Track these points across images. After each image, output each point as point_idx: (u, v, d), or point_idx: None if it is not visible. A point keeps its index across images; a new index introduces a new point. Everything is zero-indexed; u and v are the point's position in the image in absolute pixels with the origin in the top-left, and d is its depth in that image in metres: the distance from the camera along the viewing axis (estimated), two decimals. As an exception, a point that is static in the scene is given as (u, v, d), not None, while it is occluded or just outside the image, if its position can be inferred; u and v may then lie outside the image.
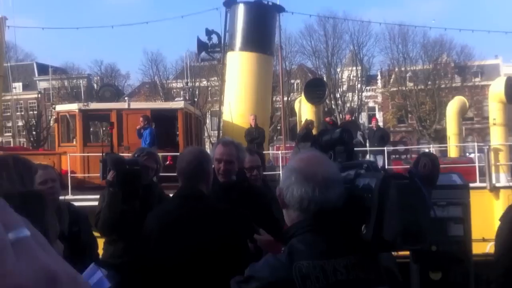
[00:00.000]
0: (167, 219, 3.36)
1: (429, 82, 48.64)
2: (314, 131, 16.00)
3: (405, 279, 4.36)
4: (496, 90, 15.67)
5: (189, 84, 47.80)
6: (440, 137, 35.42)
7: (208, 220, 3.26)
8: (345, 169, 2.15)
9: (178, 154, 15.87)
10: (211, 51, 20.19)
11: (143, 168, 4.70)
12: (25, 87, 60.16)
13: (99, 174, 5.01)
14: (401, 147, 25.81)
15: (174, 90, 52.36)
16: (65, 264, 0.60)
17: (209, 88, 49.10)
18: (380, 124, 53.88)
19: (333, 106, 47.56)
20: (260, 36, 18.17)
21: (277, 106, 41.61)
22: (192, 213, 3.30)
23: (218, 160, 4.13)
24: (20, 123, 53.83)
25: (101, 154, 12.92)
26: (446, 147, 21.18)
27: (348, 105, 49.96)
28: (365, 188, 1.98)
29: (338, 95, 49.52)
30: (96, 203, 4.77)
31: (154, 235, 3.35)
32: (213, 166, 4.11)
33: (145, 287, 3.44)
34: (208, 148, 25.09)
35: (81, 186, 15.19)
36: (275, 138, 44.90)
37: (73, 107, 17.55)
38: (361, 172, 2.08)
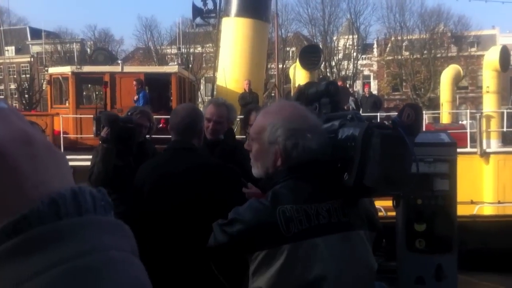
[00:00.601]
0: (159, 171, 3.41)
1: (425, 51, 48.46)
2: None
3: (392, 232, 4.47)
4: (490, 59, 15.73)
5: (183, 50, 47.43)
6: (434, 105, 35.52)
7: (199, 172, 3.31)
8: (330, 120, 2.15)
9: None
10: (206, 17, 19.98)
11: (136, 125, 4.75)
12: (18, 51, 59.52)
13: (92, 134, 5.07)
14: (394, 113, 25.83)
15: (168, 56, 51.95)
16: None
17: (204, 55, 48.74)
18: (375, 92, 54.15)
19: (328, 74, 47.40)
20: (256, 2, 17.94)
21: (272, 73, 41.45)
22: (184, 165, 3.35)
23: (208, 119, 4.21)
24: (12, 86, 53.63)
25: (93, 115, 13.05)
26: (439, 113, 21.31)
27: (343, 73, 49.81)
28: (349, 137, 1.99)
29: (333, 63, 49.28)
30: (88, 163, 4.80)
31: (146, 186, 3.40)
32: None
33: (137, 236, 3.51)
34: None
35: (74, 147, 15.22)
36: (268, 104, 44.79)
37: (66, 69, 17.44)
38: (345, 122, 2.08)
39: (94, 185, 3.52)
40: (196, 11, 19.66)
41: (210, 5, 19.42)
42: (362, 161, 1.92)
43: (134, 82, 15.01)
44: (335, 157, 2.01)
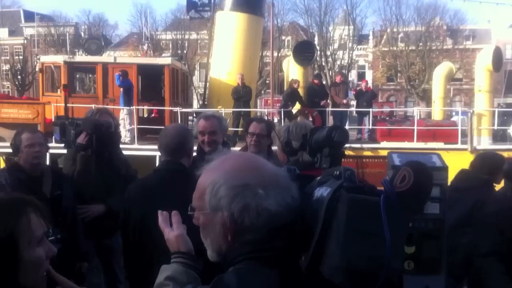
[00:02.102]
0: (149, 193, 3.36)
1: (420, 44, 48.45)
2: (300, 91, 16.02)
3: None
4: (483, 59, 15.79)
5: (178, 36, 47.23)
6: (428, 96, 35.58)
7: (189, 194, 3.28)
8: (322, 184, 1.56)
9: (163, 108, 15.79)
10: (200, 10, 19.84)
11: (116, 131, 4.74)
12: (11, 33, 59.15)
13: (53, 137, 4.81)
14: (386, 109, 25.96)
15: (163, 42, 51.67)
16: None
17: (199, 41, 48.53)
18: (370, 82, 54.19)
19: (323, 64, 47.35)
20: (251, -3, 17.87)
21: (267, 61, 41.35)
22: (174, 187, 3.31)
23: (202, 132, 4.22)
24: (5, 67, 53.36)
25: (84, 106, 13.00)
26: (431, 110, 21.39)
27: (338, 62, 49.75)
28: (318, 200, 1.48)
29: (328, 53, 49.18)
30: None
31: (135, 208, 3.37)
32: (195, 139, 4.16)
33: (127, 261, 3.53)
34: (194, 99, 25.01)
35: (64, 135, 15.15)
36: (263, 92, 44.79)
37: (58, 58, 17.32)
38: (326, 179, 1.55)
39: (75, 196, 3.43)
40: (191, 4, 19.54)
41: (204, -1, 19.30)
42: (321, 237, 1.41)
43: (117, 74, 14.97)
44: (299, 227, 1.47)
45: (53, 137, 4.87)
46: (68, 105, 15.43)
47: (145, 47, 21.20)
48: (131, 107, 14.85)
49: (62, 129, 4.62)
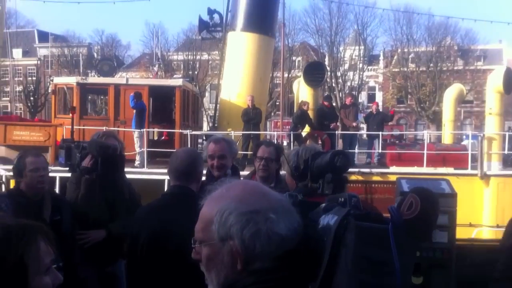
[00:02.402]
0: (157, 218, 3.36)
1: (431, 64, 48.39)
2: (310, 113, 16.02)
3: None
4: (494, 81, 15.60)
5: (189, 57, 47.47)
6: (438, 119, 35.48)
7: (195, 220, 3.28)
8: (328, 212, 1.57)
9: (174, 130, 15.79)
10: (212, 31, 20.01)
11: (122, 154, 4.73)
12: (25, 54, 59.87)
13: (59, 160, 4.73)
14: (396, 132, 25.88)
15: (175, 63, 52.07)
16: None
17: (210, 62, 48.82)
18: (380, 104, 54.01)
19: (333, 85, 47.40)
20: (262, 18, 18.02)
21: (277, 82, 41.45)
22: (182, 212, 3.32)
23: (211, 156, 4.23)
24: (18, 89, 53.83)
25: (95, 128, 13.05)
26: (441, 133, 21.27)
27: (348, 83, 49.78)
28: (325, 229, 1.47)
29: (339, 74, 49.26)
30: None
31: (143, 233, 3.37)
32: (206, 163, 4.17)
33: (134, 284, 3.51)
34: (204, 121, 25.10)
35: (77, 158, 15.22)
36: (272, 114, 44.85)
37: (71, 80, 17.52)
38: (331, 206, 1.56)
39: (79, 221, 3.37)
40: (203, 25, 19.72)
41: (216, 19, 19.45)
42: (329, 267, 1.39)
43: (131, 95, 15.03)
44: (303, 257, 1.45)
45: (59, 160, 4.69)
46: (79, 127, 15.58)
47: (155, 68, 21.31)
48: (142, 130, 14.88)
49: (67, 152, 4.52)
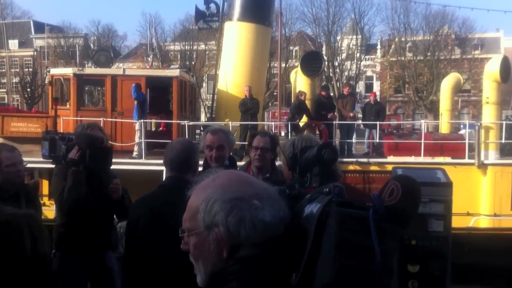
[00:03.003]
0: (154, 210, 3.37)
1: (429, 54, 48.37)
2: (307, 103, 16.02)
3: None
4: (491, 69, 15.55)
5: (186, 47, 47.27)
6: (436, 108, 35.48)
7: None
8: (312, 201, 1.60)
9: (171, 121, 15.74)
10: (208, 20, 19.96)
11: (110, 147, 4.70)
12: (21, 45, 59.69)
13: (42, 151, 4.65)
14: (393, 122, 25.95)
15: (172, 53, 51.95)
16: None
17: (207, 52, 48.72)
18: (377, 94, 53.96)
19: (331, 75, 47.38)
20: (259, 7, 17.94)
21: (274, 72, 41.39)
22: (179, 204, 3.34)
23: (209, 147, 4.21)
24: (15, 80, 53.68)
25: (93, 119, 13.04)
26: (438, 123, 21.28)
27: (346, 73, 49.76)
28: (309, 217, 1.49)
29: (336, 64, 49.23)
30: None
31: (140, 224, 3.39)
32: (202, 154, 4.16)
33: (130, 277, 3.51)
34: (202, 111, 25.07)
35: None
36: (270, 104, 44.83)
37: (68, 71, 17.46)
38: (316, 196, 1.58)
39: (65, 213, 3.44)
40: (199, 15, 19.66)
41: (213, 9, 19.41)
42: (312, 253, 1.41)
43: (133, 86, 14.98)
44: (288, 245, 1.46)
45: (42, 152, 4.59)
46: (76, 118, 15.56)
47: (150, 58, 21.11)
48: (140, 121, 14.86)
49: (52, 144, 4.46)
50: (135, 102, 15.07)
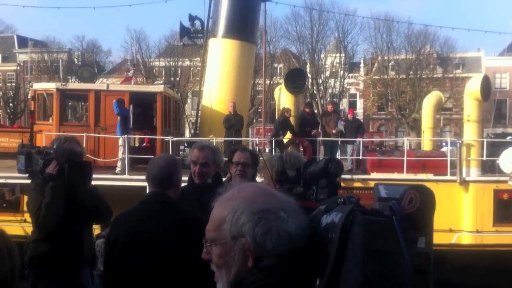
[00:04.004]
0: (134, 226, 3.36)
1: (411, 72, 49.02)
2: (291, 120, 16.10)
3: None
4: (472, 88, 15.78)
5: (171, 63, 47.21)
6: (418, 126, 35.87)
7: (176, 229, 3.26)
8: (329, 212, 1.64)
9: (155, 137, 15.58)
10: (193, 37, 20.02)
11: (89, 162, 4.61)
12: (4, 59, 59.32)
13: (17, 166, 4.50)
14: (376, 139, 26.12)
15: (156, 69, 51.94)
16: None
17: (192, 68, 48.80)
18: (360, 111, 54.45)
19: (315, 92, 47.69)
20: (243, 24, 18.06)
21: (259, 89, 41.56)
22: (159, 221, 3.32)
23: (194, 162, 4.19)
24: (-3, 95, 53.21)
25: (76, 134, 12.93)
26: (420, 140, 21.47)
27: (330, 91, 50.14)
28: (329, 226, 1.54)
29: (320, 81, 49.62)
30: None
31: (119, 241, 3.36)
32: (186, 169, 4.14)
33: None
34: (186, 127, 25.04)
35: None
36: (254, 120, 44.94)
37: (51, 86, 17.32)
38: (332, 206, 1.63)
39: (42, 229, 3.34)
40: (184, 31, 19.72)
41: (197, 25, 19.47)
42: (338, 259, 1.46)
43: (115, 101, 14.89)
44: (309, 254, 1.53)
45: (18, 166, 4.44)
46: (58, 133, 15.42)
47: (130, 73, 20.89)
48: (124, 136, 14.77)
49: (28, 158, 4.33)
50: (118, 118, 14.98)
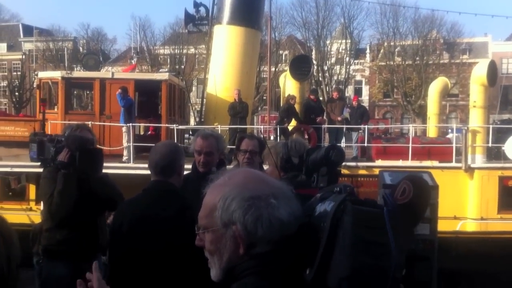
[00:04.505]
0: (138, 214, 3.37)
1: (417, 58, 48.67)
2: (296, 107, 16.06)
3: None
4: (478, 73, 15.62)
5: (176, 51, 47.06)
6: (424, 112, 35.71)
7: (179, 217, 3.26)
8: (324, 200, 1.63)
9: (160, 125, 15.64)
10: (198, 24, 19.91)
11: (100, 149, 4.60)
12: (10, 48, 59.32)
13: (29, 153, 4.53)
14: (381, 126, 26.04)
15: (161, 57, 51.84)
16: None
17: (197, 56, 48.67)
18: (366, 98, 54.24)
19: (320, 79, 47.49)
20: (249, 11, 17.93)
21: (264, 76, 41.43)
22: (163, 209, 3.33)
23: (198, 151, 4.17)
24: (3, 84, 53.29)
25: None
26: (426, 127, 21.36)
27: (335, 77, 49.92)
28: (321, 215, 1.54)
29: (326, 68, 49.39)
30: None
31: (123, 228, 3.39)
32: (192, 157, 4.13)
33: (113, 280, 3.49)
34: (191, 115, 25.05)
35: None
36: (259, 108, 44.87)
37: (56, 74, 17.34)
38: (327, 195, 1.62)
39: (55, 217, 3.36)
40: (188, 18, 19.61)
41: (202, 12, 19.36)
42: (327, 248, 1.46)
43: (119, 90, 14.88)
44: (302, 242, 1.53)
45: (30, 154, 4.50)
46: (64, 122, 15.45)
47: (133, 61, 20.81)
48: (128, 124, 14.77)
49: (40, 146, 4.37)
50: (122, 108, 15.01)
